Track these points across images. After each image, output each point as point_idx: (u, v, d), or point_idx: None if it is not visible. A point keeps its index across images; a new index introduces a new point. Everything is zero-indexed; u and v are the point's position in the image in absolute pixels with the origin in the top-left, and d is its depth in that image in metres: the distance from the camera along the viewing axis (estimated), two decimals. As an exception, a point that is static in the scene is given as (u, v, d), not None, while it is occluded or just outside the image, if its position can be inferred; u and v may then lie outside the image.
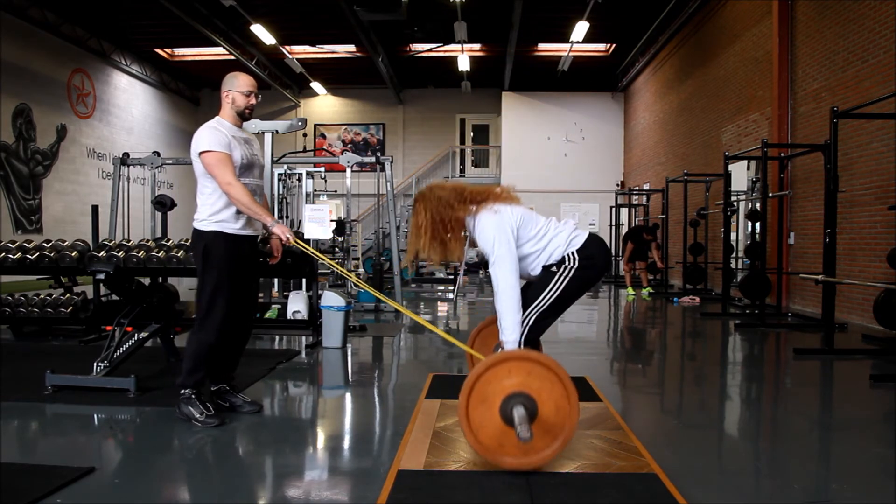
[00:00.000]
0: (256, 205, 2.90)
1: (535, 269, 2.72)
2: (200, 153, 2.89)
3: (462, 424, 2.28)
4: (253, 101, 3.05)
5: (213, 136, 2.90)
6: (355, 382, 4.15)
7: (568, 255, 2.67)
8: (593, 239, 2.75)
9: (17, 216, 11.74)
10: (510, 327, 2.53)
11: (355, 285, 3.01)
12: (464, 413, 2.27)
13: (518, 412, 2.20)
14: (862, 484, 2.40)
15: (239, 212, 2.95)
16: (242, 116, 3.05)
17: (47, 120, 12.43)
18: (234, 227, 2.97)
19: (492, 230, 2.61)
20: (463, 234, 2.79)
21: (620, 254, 10.89)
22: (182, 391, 2.98)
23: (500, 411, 2.27)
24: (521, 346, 2.58)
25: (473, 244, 2.82)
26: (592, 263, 2.69)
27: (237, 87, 3.02)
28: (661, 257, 10.69)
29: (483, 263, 16.34)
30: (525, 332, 2.61)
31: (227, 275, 2.96)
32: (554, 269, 2.67)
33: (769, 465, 2.64)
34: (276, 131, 6.15)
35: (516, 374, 2.28)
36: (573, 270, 2.65)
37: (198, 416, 2.93)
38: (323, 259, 3.15)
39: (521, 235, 2.67)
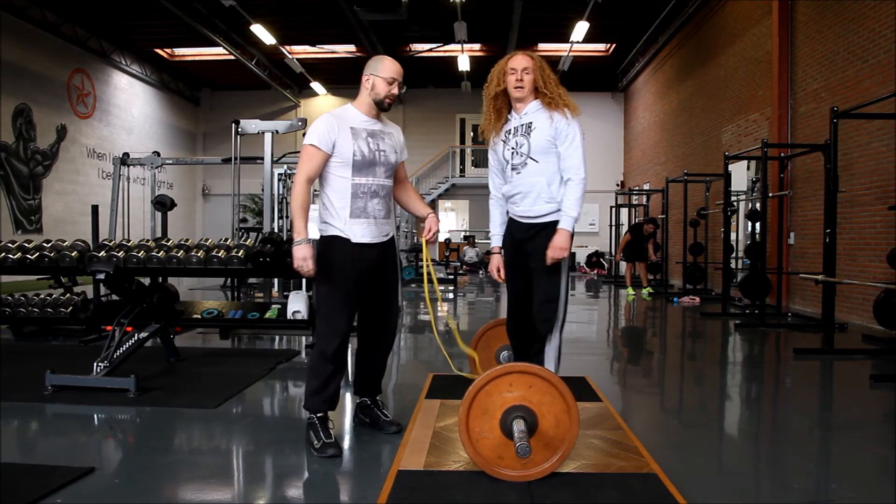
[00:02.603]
0: (300, 216, 2.57)
1: (538, 195, 2.73)
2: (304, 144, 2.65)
3: (462, 435, 2.28)
4: (395, 90, 2.67)
5: (321, 126, 2.60)
6: (355, 382, 4.14)
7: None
8: None
9: (17, 216, 11.75)
10: (576, 206, 2.68)
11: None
12: (464, 424, 2.27)
13: (518, 426, 2.20)
14: (862, 484, 2.40)
15: (356, 216, 2.65)
16: (381, 107, 2.69)
17: (47, 120, 12.44)
18: (352, 233, 2.66)
19: (581, 145, 2.70)
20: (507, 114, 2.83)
21: (621, 251, 10.88)
22: (307, 417, 2.73)
23: (501, 424, 2.27)
24: (560, 348, 2.74)
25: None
26: None
27: (380, 72, 2.65)
28: (654, 250, 10.68)
29: (483, 264, 16.39)
30: (561, 336, 2.74)
31: (344, 287, 2.65)
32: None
33: (769, 465, 2.64)
34: (276, 131, 6.16)
35: (518, 387, 2.28)
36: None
37: (315, 443, 2.61)
38: None
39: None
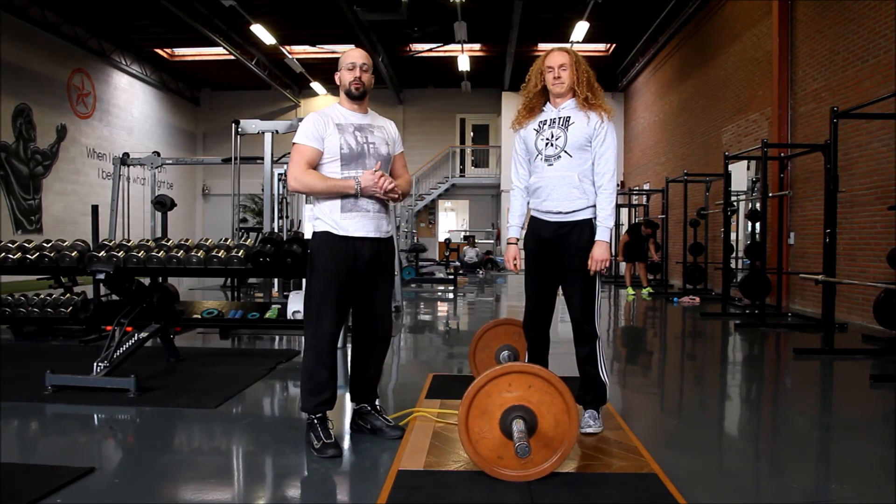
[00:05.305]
0: (330, 179, 2.58)
1: (575, 191, 2.71)
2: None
3: (461, 436, 2.28)
4: (358, 73, 2.66)
5: (307, 124, 2.64)
6: (355, 382, 4.14)
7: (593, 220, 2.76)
8: None
9: (17, 216, 11.75)
10: (612, 215, 2.76)
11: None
12: (463, 424, 2.27)
13: (517, 426, 2.20)
14: (862, 484, 2.40)
15: (348, 209, 2.62)
16: (350, 95, 2.69)
17: (47, 120, 12.44)
18: (344, 228, 2.62)
19: (615, 147, 2.73)
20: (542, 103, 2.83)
21: (621, 253, 10.89)
22: (306, 418, 2.70)
23: (500, 424, 2.27)
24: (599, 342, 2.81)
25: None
26: None
27: (341, 63, 2.72)
28: (655, 250, 10.69)
29: (482, 264, 16.39)
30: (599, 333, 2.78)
31: (336, 285, 2.61)
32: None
33: (769, 465, 2.64)
34: (276, 131, 6.16)
35: (517, 387, 2.28)
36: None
37: (315, 443, 2.58)
38: None
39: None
